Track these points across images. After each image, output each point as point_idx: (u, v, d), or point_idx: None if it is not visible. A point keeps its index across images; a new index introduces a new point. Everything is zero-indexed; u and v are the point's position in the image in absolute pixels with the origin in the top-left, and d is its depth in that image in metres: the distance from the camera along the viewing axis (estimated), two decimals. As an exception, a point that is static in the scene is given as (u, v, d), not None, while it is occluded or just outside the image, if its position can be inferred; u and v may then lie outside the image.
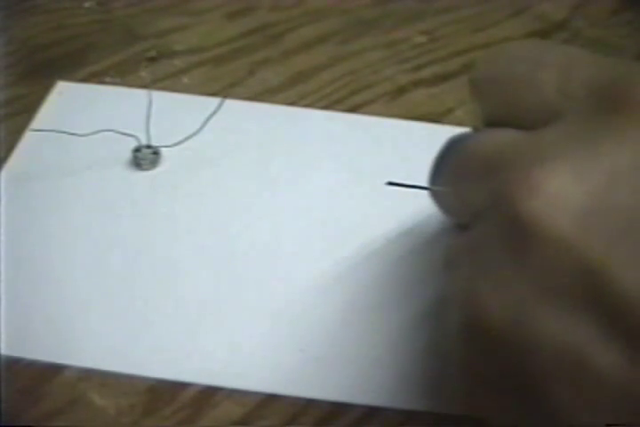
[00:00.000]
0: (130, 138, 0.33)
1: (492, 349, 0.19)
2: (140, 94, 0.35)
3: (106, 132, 0.32)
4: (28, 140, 0.34)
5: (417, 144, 0.26)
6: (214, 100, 0.33)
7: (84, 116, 0.35)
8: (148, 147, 0.33)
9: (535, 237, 0.18)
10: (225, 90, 0.37)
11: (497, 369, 0.19)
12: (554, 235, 0.18)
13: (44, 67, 0.38)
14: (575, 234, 0.17)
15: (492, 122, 0.23)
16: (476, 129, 0.25)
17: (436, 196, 0.26)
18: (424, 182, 0.25)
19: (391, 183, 0.26)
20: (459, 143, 0.24)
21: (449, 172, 0.24)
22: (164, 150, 0.33)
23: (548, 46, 0.23)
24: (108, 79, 0.37)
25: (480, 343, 0.19)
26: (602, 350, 0.17)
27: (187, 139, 0.33)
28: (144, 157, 0.33)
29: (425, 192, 0.26)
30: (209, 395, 0.26)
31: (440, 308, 0.27)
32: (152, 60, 0.39)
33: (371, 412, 0.26)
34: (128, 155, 0.33)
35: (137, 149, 0.33)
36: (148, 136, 0.33)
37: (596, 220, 0.17)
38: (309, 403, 0.26)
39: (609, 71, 0.20)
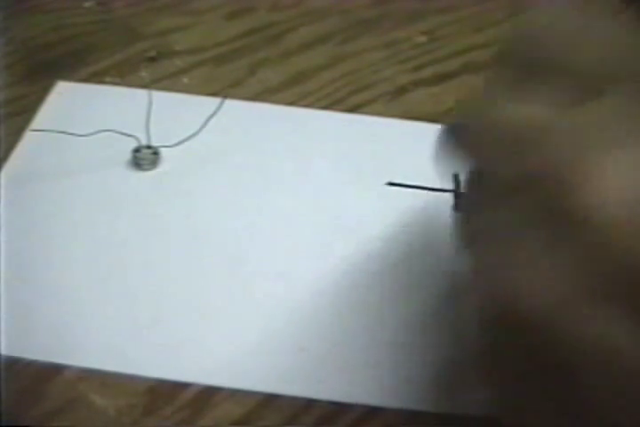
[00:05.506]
0: (130, 138, 0.33)
1: (524, 338, 0.18)
2: (140, 94, 0.35)
3: (106, 133, 0.32)
4: (28, 140, 0.34)
5: (417, 144, 0.26)
6: (214, 100, 0.34)
7: (84, 116, 0.35)
8: (148, 147, 0.33)
9: (584, 225, 0.17)
10: (225, 90, 0.37)
11: (526, 359, 0.19)
12: (606, 224, 0.17)
13: (44, 67, 0.38)
14: (627, 226, 0.17)
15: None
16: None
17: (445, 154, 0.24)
18: (424, 182, 0.26)
19: (391, 184, 0.27)
20: (480, 113, 0.23)
21: (467, 141, 0.23)
22: (163, 150, 0.33)
23: (589, 19, 0.22)
24: (108, 79, 0.37)
25: (511, 333, 0.19)
26: (637, 344, 0.17)
27: (187, 139, 0.33)
28: (144, 158, 0.33)
29: (424, 192, 0.26)
30: (209, 395, 0.26)
31: (449, 300, 0.27)
32: (152, 60, 0.39)
33: (371, 412, 0.26)
34: (128, 155, 0.33)
35: (137, 150, 0.33)
36: (148, 136, 0.33)
37: None
38: (309, 403, 0.26)
39: None
